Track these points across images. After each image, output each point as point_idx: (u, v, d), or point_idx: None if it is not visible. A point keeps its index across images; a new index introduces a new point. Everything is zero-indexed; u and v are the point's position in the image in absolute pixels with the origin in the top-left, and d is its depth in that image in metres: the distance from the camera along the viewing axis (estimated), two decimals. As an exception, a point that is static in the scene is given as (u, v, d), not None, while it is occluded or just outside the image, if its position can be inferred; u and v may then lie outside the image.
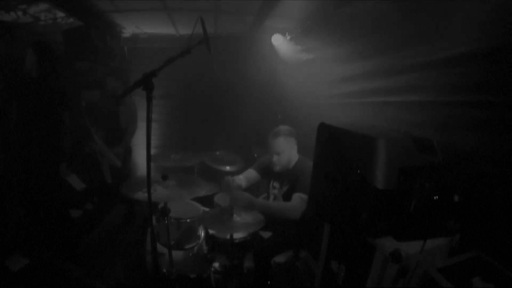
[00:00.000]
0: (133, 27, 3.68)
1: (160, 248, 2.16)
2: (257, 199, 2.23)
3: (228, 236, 2.13)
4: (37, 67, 2.46)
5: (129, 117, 3.45)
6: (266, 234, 2.31)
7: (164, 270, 2.10)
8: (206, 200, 2.63)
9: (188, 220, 2.31)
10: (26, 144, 2.48)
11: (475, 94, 1.47)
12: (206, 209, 2.53)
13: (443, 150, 1.32)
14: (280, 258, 2.35)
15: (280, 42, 3.43)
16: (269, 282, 2.21)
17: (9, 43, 3.06)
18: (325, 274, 1.72)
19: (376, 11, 2.02)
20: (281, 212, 2.16)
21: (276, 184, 2.44)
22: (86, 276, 2.45)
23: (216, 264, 2.27)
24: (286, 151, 2.30)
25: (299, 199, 2.11)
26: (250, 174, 2.57)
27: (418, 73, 1.81)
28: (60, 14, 3.01)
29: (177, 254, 2.22)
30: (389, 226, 1.28)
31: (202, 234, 2.39)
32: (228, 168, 3.09)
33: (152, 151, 1.51)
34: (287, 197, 2.29)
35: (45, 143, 2.53)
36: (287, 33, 3.33)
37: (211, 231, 2.24)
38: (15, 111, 2.46)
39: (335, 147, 1.42)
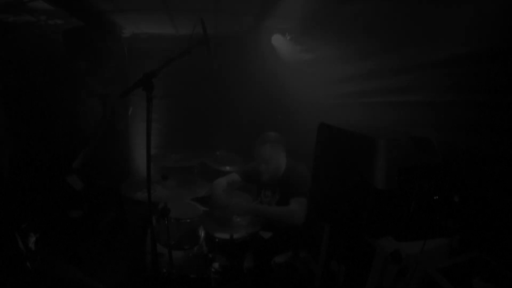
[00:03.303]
0: (133, 27, 3.68)
1: (160, 248, 2.16)
2: (255, 206, 2.21)
3: (228, 236, 2.13)
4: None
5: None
6: (266, 234, 2.31)
7: (164, 271, 2.10)
8: (206, 201, 2.62)
9: (188, 220, 2.31)
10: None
11: (475, 94, 1.47)
12: (206, 209, 2.53)
13: (443, 150, 1.32)
14: (280, 258, 2.35)
15: (280, 42, 3.43)
16: (269, 282, 2.21)
17: (11, 43, 3.06)
18: (325, 274, 1.72)
19: (376, 11, 2.02)
20: (284, 217, 2.09)
21: (268, 193, 2.39)
22: (86, 277, 2.45)
23: (216, 265, 2.27)
24: (274, 158, 2.23)
25: (298, 204, 2.05)
26: (233, 178, 2.51)
27: (418, 73, 1.81)
28: (60, 14, 3.01)
29: (177, 254, 2.22)
30: (389, 226, 1.28)
31: (202, 234, 2.39)
32: (228, 168, 3.09)
33: (152, 151, 1.51)
34: (281, 204, 2.23)
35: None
36: (287, 33, 3.33)
37: (211, 231, 2.24)
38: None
39: (335, 147, 1.42)
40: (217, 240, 2.20)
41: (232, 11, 3.02)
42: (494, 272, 1.23)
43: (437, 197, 1.26)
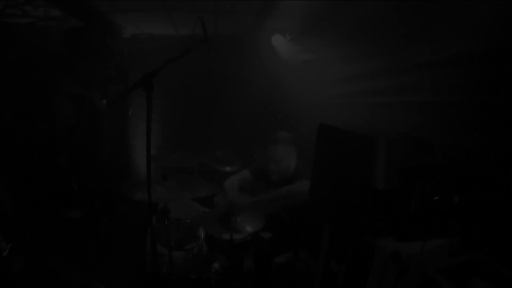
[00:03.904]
0: (133, 27, 3.68)
1: (160, 248, 2.16)
2: (265, 196, 2.21)
3: (228, 237, 2.12)
4: None
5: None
6: (266, 235, 2.31)
7: (164, 271, 2.10)
8: (206, 201, 2.62)
9: (188, 221, 2.31)
10: None
11: (475, 94, 1.47)
12: (206, 209, 2.53)
13: (443, 150, 1.32)
14: (280, 259, 2.35)
15: (280, 42, 3.43)
16: (269, 282, 2.21)
17: (11, 43, 3.06)
18: (325, 275, 1.72)
19: (376, 11, 2.02)
20: (291, 189, 2.09)
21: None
22: (86, 277, 2.45)
23: (216, 265, 2.27)
24: (285, 159, 2.21)
25: (302, 183, 2.04)
26: (244, 176, 2.49)
27: (418, 73, 1.81)
28: (60, 14, 3.01)
29: (177, 255, 2.22)
30: (389, 226, 1.28)
31: (202, 235, 2.39)
32: (228, 168, 3.09)
33: (152, 151, 1.50)
34: None
35: None
36: (287, 33, 3.33)
37: (211, 232, 2.24)
38: None
39: (335, 147, 1.42)
40: (217, 240, 2.20)
41: (232, 11, 3.02)
42: (494, 272, 1.23)
43: (437, 197, 1.26)
